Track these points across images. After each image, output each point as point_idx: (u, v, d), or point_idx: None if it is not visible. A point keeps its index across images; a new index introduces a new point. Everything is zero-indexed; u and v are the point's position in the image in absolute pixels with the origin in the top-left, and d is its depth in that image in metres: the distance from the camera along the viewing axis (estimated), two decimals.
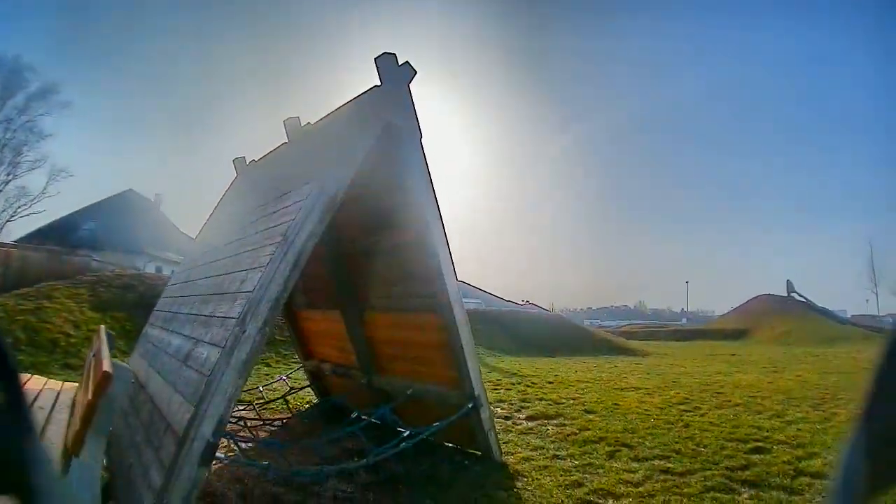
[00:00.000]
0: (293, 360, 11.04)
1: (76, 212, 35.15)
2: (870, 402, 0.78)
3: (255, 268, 3.63)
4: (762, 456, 5.45)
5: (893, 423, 0.76)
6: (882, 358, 0.77)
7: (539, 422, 7.11)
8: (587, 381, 11.38)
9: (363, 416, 5.61)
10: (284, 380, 7.81)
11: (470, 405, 4.96)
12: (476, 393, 4.97)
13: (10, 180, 36.15)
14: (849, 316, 53.13)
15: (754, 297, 49.53)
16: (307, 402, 7.92)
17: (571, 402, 8.52)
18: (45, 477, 0.73)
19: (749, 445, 5.82)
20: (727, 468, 5.03)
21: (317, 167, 4.14)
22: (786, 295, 47.46)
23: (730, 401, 8.76)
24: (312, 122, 5.48)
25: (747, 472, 4.92)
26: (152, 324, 6.33)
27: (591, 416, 7.40)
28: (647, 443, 5.96)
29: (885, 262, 57.80)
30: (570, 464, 5.27)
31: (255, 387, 7.79)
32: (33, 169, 36.72)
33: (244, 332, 3.14)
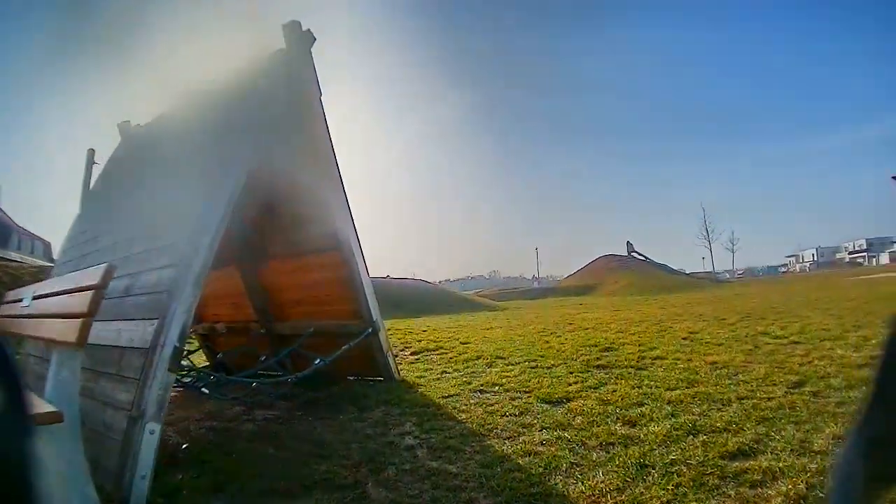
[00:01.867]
0: None
1: None
2: (867, 405, 0.85)
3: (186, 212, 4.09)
4: (612, 353, 6.84)
5: (890, 426, 0.81)
6: (879, 363, 0.83)
7: (423, 354, 8.09)
8: (457, 328, 12.56)
9: (273, 353, 6.25)
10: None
11: (370, 329, 5.76)
12: (374, 318, 5.78)
13: None
14: (687, 272, 60.01)
15: (598, 258, 53.43)
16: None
17: (447, 340, 9.58)
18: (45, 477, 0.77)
19: (600, 348, 7.25)
20: (584, 363, 6.29)
21: (231, 143, 4.44)
22: (626, 254, 52.15)
23: (582, 327, 10.35)
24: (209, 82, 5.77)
25: (601, 362, 6.26)
26: None
27: (466, 345, 8.52)
28: (516, 356, 7.13)
29: (716, 223, 65.82)
30: (458, 374, 6.28)
31: None
32: None
33: (196, 248, 3.65)
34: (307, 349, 6.37)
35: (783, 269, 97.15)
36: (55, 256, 8.45)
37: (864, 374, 4.63)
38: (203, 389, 5.77)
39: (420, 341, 9.61)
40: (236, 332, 7.50)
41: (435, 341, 9.38)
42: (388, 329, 13.55)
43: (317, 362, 5.49)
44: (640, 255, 52.09)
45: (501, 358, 6.99)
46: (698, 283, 39.59)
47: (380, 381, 6.14)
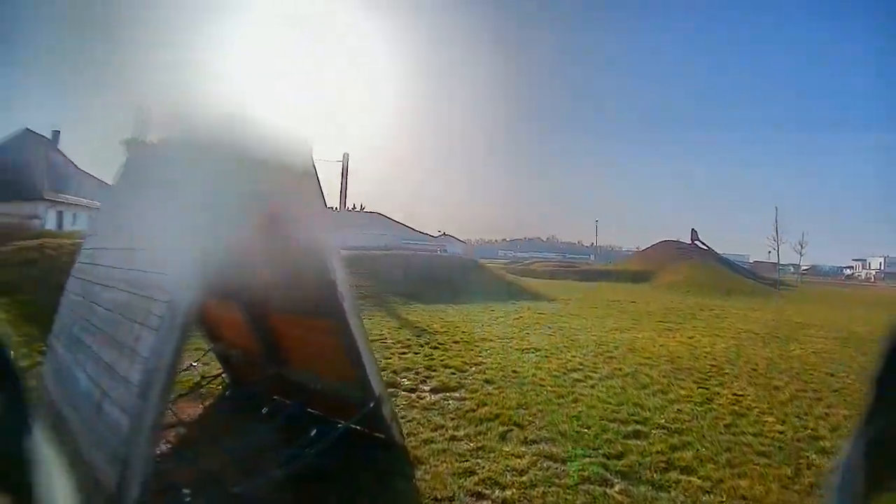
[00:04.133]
0: None
1: None
2: (868, 406, 0.86)
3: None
4: (639, 442, 6.01)
5: (891, 426, 0.81)
6: (880, 363, 0.83)
7: (442, 395, 7.58)
8: (491, 340, 12.06)
9: (275, 409, 5.93)
10: (195, 367, 7.87)
11: (372, 404, 5.32)
12: (377, 393, 5.32)
13: None
14: (751, 261, 57.36)
15: (659, 242, 51.86)
16: (219, 385, 8.05)
17: (473, 369, 9.08)
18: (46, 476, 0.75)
19: (629, 428, 6.43)
20: (605, 455, 5.60)
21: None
22: (689, 242, 50.34)
23: (621, 369, 9.55)
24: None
25: (622, 462, 5.48)
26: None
27: (490, 388, 7.94)
28: (536, 421, 6.52)
29: (789, 224, 62.62)
30: (466, 446, 5.75)
31: None
32: None
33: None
34: (311, 400, 6.08)
35: (848, 272, 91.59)
36: None
37: None
38: None
39: (445, 366, 9.17)
40: (248, 363, 7.28)
41: (460, 371, 8.90)
42: (423, 328, 13.69)
43: (310, 442, 5.14)
44: (703, 244, 50.31)
45: (519, 426, 6.41)
46: (760, 291, 37.55)
47: (382, 438, 5.72)
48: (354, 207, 75.68)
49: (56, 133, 38.01)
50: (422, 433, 6.13)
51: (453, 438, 5.98)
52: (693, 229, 51.11)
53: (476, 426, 6.37)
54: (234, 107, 4.19)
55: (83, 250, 6.86)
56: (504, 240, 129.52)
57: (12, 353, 0.85)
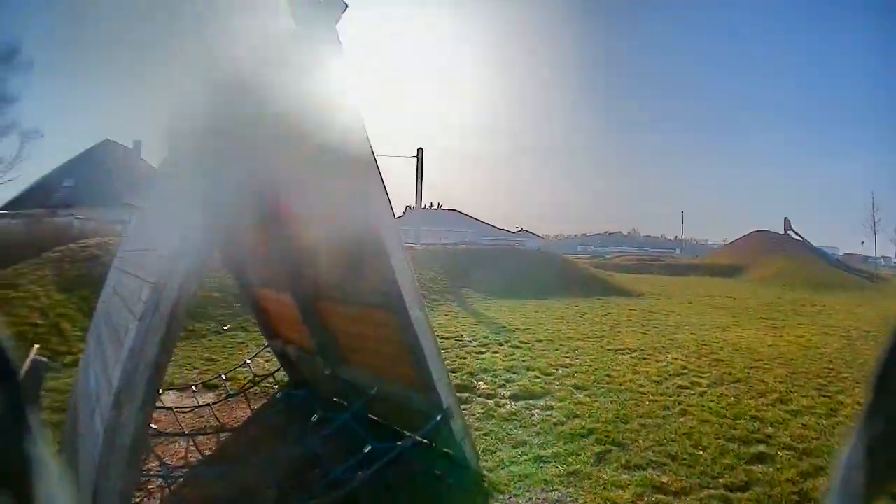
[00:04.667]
0: None
1: (53, 171, 33.75)
2: (869, 405, 0.84)
3: None
4: (765, 468, 4.80)
5: (892, 426, 0.80)
6: (882, 358, 0.81)
7: (524, 402, 6.51)
8: (579, 339, 10.83)
9: (327, 417, 5.01)
10: (248, 364, 7.17)
11: (439, 417, 4.31)
12: (445, 404, 4.30)
13: None
14: (840, 254, 52.93)
15: (750, 233, 49.69)
16: (279, 382, 7.32)
17: (561, 371, 7.95)
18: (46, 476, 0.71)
19: (751, 450, 5.18)
20: (726, 486, 4.41)
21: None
22: (782, 232, 47.40)
23: (730, 373, 8.18)
24: None
25: (748, 494, 4.30)
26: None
27: (580, 395, 6.82)
28: (640, 440, 5.35)
29: (887, 210, 57.07)
30: (555, 471, 4.67)
31: (218, 374, 7.13)
32: (2, 137, 34.44)
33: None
34: (372, 411, 5.17)
35: None
36: None
37: None
38: None
39: (529, 368, 8.07)
40: (304, 361, 6.48)
41: (545, 374, 7.76)
42: (503, 325, 12.61)
43: (367, 450, 4.18)
44: (796, 234, 46.73)
45: (619, 445, 5.23)
46: (856, 282, 34.31)
47: (450, 455, 4.74)
48: (431, 205, 75.49)
49: (138, 143, 39.81)
50: (500, 451, 5.11)
51: (539, 459, 4.91)
52: (786, 218, 47.71)
53: (566, 443, 5.27)
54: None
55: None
56: (583, 234, 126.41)
57: (10, 350, 0.71)
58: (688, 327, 12.87)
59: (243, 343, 10.13)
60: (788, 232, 47.41)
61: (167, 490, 4.18)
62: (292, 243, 5.20)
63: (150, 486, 4.29)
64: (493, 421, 5.88)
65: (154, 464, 4.48)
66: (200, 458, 4.94)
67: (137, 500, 4.06)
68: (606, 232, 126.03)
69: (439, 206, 77.64)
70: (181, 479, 4.44)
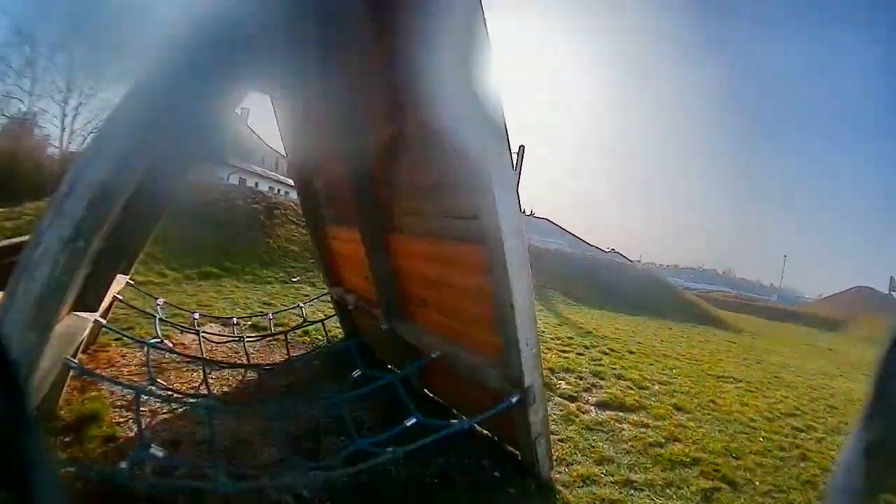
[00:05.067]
0: None
1: None
2: (867, 409, 0.85)
3: None
4: None
5: (890, 430, 0.82)
6: (881, 363, 0.84)
7: (613, 413, 5.30)
8: (676, 358, 9.42)
9: (372, 376, 4.00)
10: (301, 307, 6.34)
11: (515, 398, 3.17)
12: (527, 383, 3.14)
13: (94, 95, 34.24)
14: None
15: (852, 288, 47.56)
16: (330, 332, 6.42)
17: (658, 387, 6.64)
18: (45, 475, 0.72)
19: None
20: None
21: None
22: (886, 292, 44.62)
23: (846, 421, 6.73)
24: None
25: None
26: None
27: (682, 418, 5.54)
28: (756, 481, 4.17)
29: None
30: (649, 502, 3.47)
31: (266, 313, 6.36)
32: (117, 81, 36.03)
33: None
34: (429, 381, 4.11)
35: None
36: None
37: None
38: None
39: (619, 377, 6.83)
40: (365, 313, 5.50)
41: (639, 387, 6.50)
42: (589, 330, 11.31)
43: (411, 422, 3.14)
44: None
45: (730, 483, 3.98)
46: None
47: (517, 458, 3.71)
48: (523, 211, 73.87)
49: (246, 110, 41.39)
50: (579, 464, 3.97)
51: (628, 484, 3.74)
52: (892, 277, 44.57)
53: (664, 471, 4.06)
54: None
55: None
56: (675, 266, 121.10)
57: (10, 349, 0.73)
58: (793, 369, 11.17)
59: (307, 296, 9.45)
60: (893, 291, 44.21)
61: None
62: (363, 156, 4.20)
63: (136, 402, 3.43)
64: (573, 427, 4.73)
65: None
66: (205, 389, 4.12)
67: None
68: (701, 267, 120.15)
69: (531, 213, 75.81)
70: (173, 406, 3.62)
